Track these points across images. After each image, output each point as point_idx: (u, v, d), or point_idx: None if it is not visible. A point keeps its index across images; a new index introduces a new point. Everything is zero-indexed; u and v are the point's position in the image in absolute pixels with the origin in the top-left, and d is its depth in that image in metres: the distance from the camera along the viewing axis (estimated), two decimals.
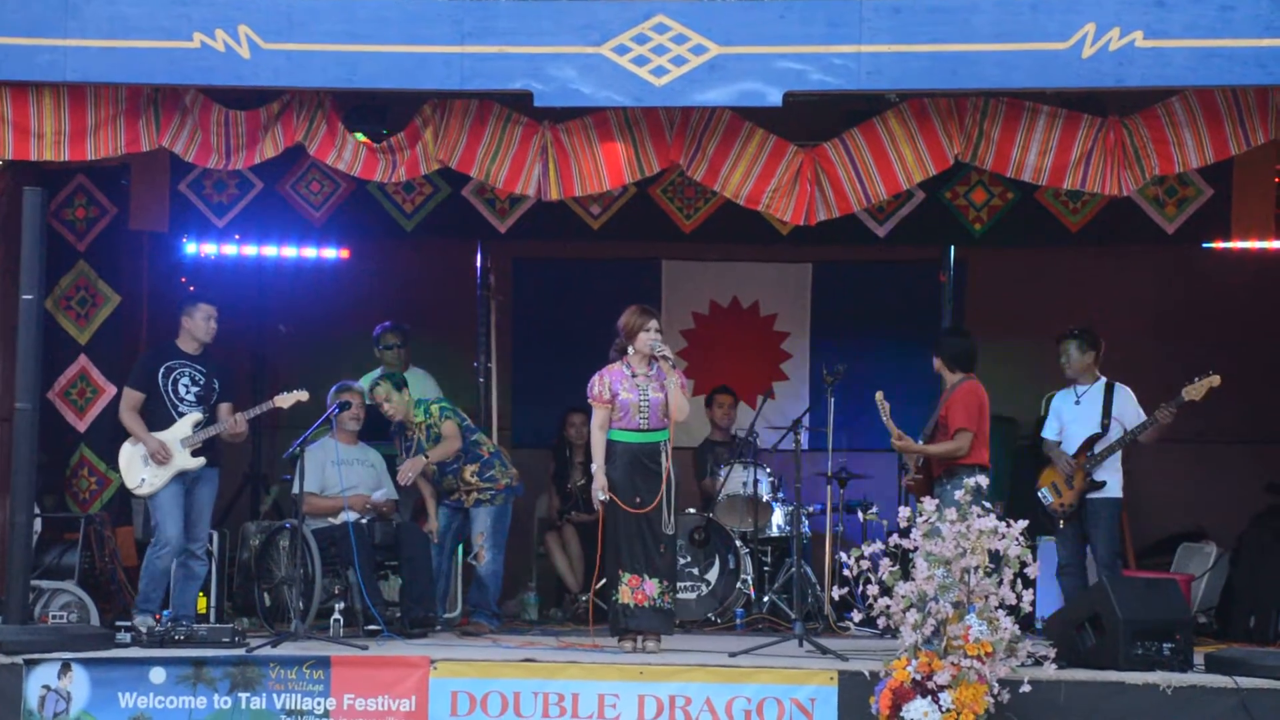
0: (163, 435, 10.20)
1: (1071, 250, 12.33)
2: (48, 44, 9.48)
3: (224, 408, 10.39)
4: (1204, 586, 11.73)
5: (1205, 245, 11.87)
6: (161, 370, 10.30)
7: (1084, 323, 10.66)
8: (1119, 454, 10.33)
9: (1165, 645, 9.05)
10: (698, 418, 12.78)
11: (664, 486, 9.74)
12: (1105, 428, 10.36)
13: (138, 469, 10.18)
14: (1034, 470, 11.98)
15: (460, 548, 11.28)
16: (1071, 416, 10.54)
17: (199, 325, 10.38)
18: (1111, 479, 10.33)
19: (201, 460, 10.24)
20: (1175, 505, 11.50)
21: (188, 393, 10.31)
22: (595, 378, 9.91)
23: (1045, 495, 10.49)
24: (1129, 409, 10.37)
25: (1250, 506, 12.08)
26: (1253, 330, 12.20)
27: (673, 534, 9.82)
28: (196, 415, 10.26)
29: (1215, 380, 10.07)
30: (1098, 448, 10.34)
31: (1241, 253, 11.95)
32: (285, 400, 10.36)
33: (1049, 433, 10.66)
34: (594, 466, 9.91)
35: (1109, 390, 10.45)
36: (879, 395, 10.17)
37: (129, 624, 9.67)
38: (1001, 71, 9.20)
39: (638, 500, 9.72)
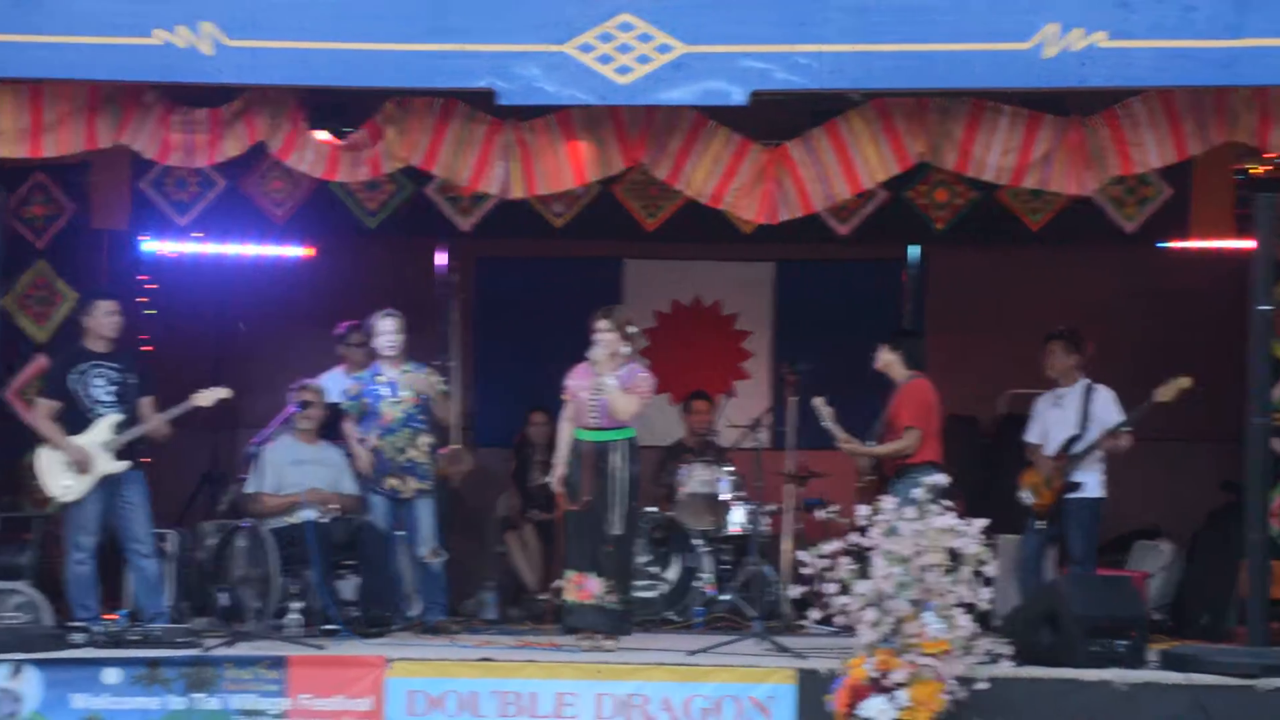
0: (81, 440, 10.05)
1: (1032, 249, 12.37)
2: (6, 39, 9.39)
3: (145, 403, 10.23)
4: (1159, 584, 11.79)
5: (1164, 245, 11.93)
6: (74, 374, 10.13)
7: (1070, 324, 10.70)
8: (1099, 454, 10.37)
9: (1120, 642, 9.11)
10: (665, 417, 12.81)
11: (613, 486, 9.74)
12: (1083, 429, 10.42)
13: (59, 475, 10.04)
14: (993, 468, 12.06)
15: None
16: (1052, 419, 10.60)
17: (101, 323, 10.22)
18: (1090, 480, 10.38)
19: (125, 464, 10.10)
20: (1130, 503, 11.54)
21: (105, 394, 10.16)
22: (571, 370, 9.95)
23: (1026, 496, 10.55)
24: (1107, 410, 10.42)
25: (1205, 504, 12.14)
26: (1209, 329, 12.22)
27: (621, 534, 9.79)
28: (116, 416, 10.12)
29: (1186, 382, 10.14)
30: (1075, 449, 10.39)
31: (1200, 252, 12.01)
32: (205, 398, 10.24)
33: (1032, 436, 10.71)
34: (555, 458, 9.94)
35: (1088, 392, 10.51)
36: (818, 401, 10.21)
37: (83, 624, 9.62)
38: (964, 71, 9.21)
39: (585, 499, 9.73)
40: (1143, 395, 10.28)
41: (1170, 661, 9.11)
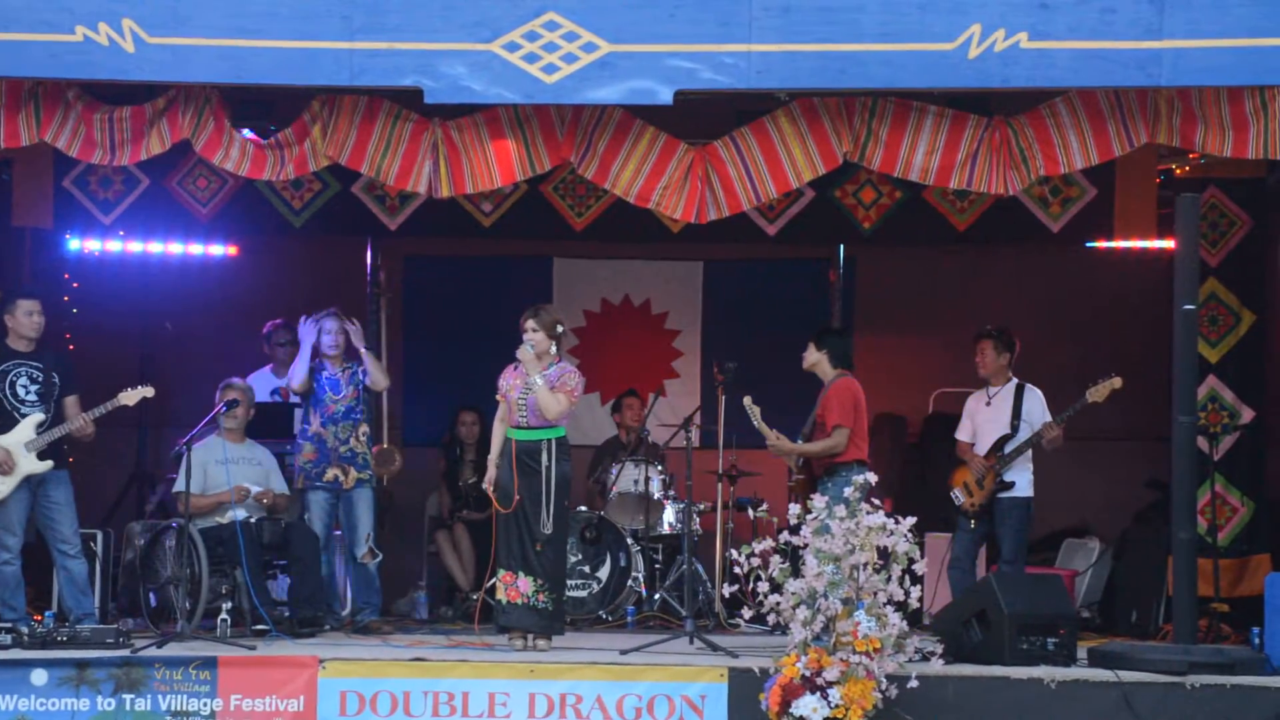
0: (4, 440, 9.92)
1: (959, 249, 12.45)
2: None
3: (69, 402, 10.15)
4: (1087, 582, 11.90)
5: (1089, 245, 12.02)
6: None
7: (1001, 323, 10.75)
8: (1029, 454, 10.45)
9: (1049, 640, 9.18)
10: (594, 416, 12.80)
11: (543, 485, 9.73)
12: (1015, 429, 10.48)
13: None
14: (920, 467, 12.11)
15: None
16: (983, 417, 10.65)
17: (22, 322, 10.11)
18: (1021, 479, 10.44)
19: (49, 464, 9.99)
20: (1059, 501, 11.64)
21: (28, 393, 10.05)
22: (503, 371, 9.96)
23: (957, 495, 10.58)
24: (1037, 410, 10.49)
25: (1132, 503, 12.28)
26: (1135, 328, 12.38)
27: (551, 534, 9.77)
28: (39, 416, 10.00)
29: (1117, 382, 10.21)
30: (1007, 448, 10.44)
31: (1124, 252, 12.12)
32: (130, 397, 10.15)
33: (962, 434, 10.75)
34: (489, 458, 9.97)
35: (1019, 391, 10.56)
36: (747, 400, 10.23)
37: (9, 625, 9.52)
38: (889, 71, 9.26)
39: (517, 498, 9.72)
40: (1070, 394, 10.35)
41: (1099, 659, 9.19)
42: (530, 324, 9.85)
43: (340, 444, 10.79)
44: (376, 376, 10.96)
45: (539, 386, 9.74)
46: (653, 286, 13.59)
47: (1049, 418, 10.43)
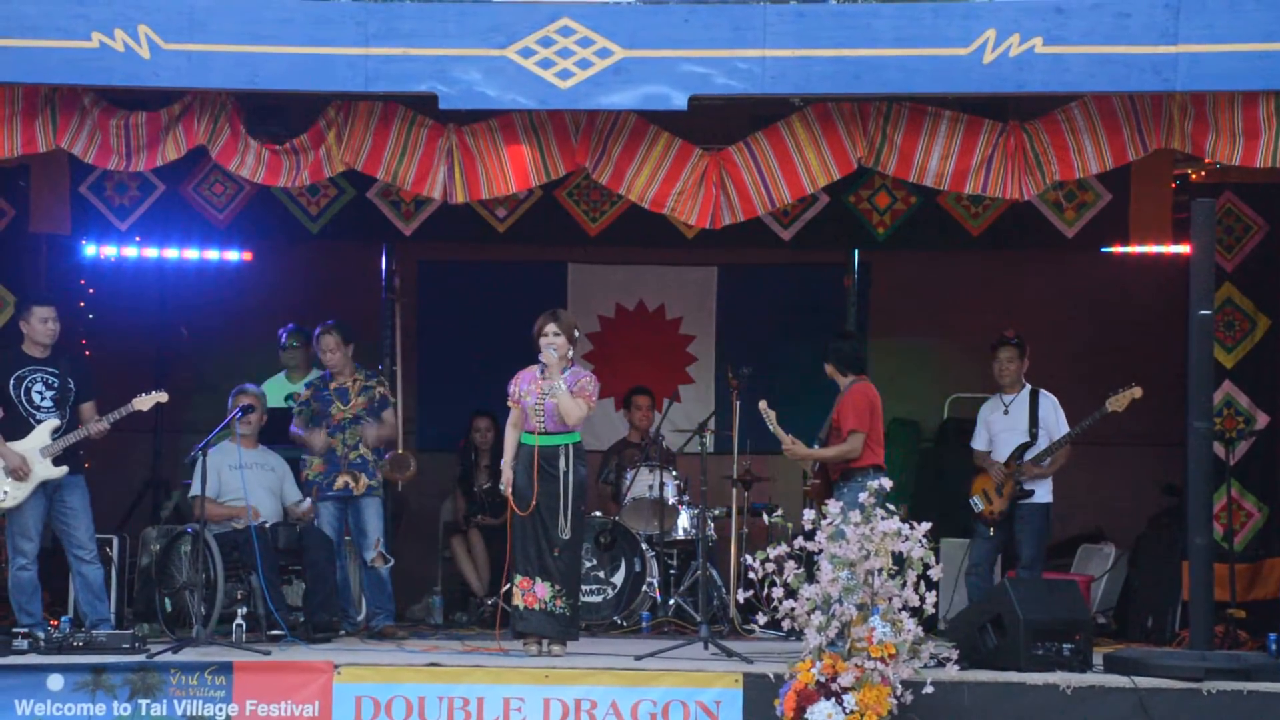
0: (20, 446, 9.95)
1: (973, 254, 12.44)
2: None
3: (86, 408, 10.18)
4: (1103, 587, 11.88)
5: (1104, 250, 12.01)
6: (12, 380, 10.04)
7: (1016, 329, 10.73)
8: (1047, 461, 10.42)
9: (1065, 646, 9.17)
10: (608, 420, 12.80)
11: (561, 491, 9.73)
12: (1034, 436, 10.46)
13: None
14: (936, 472, 12.07)
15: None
16: (1000, 426, 10.63)
17: (36, 329, 10.14)
18: (1041, 485, 10.44)
19: (64, 469, 10.01)
20: (1075, 507, 11.63)
21: (43, 399, 10.07)
22: (514, 377, 9.94)
23: (976, 503, 10.57)
24: (1053, 417, 10.47)
25: (1148, 508, 12.25)
26: (1150, 333, 12.36)
27: (569, 539, 9.77)
28: (54, 421, 10.03)
29: (1137, 392, 10.19)
30: (1027, 456, 10.42)
31: (1139, 257, 12.09)
32: (144, 403, 10.17)
33: (978, 443, 10.73)
34: (503, 463, 9.96)
35: (1034, 398, 10.54)
36: (763, 404, 10.22)
37: (26, 630, 9.54)
38: (904, 76, 9.27)
39: (533, 504, 9.72)
40: (1085, 399, 10.33)
41: (1115, 665, 9.17)
42: (551, 328, 9.84)
43: (349, 449, 10.81)
44: (385, 431, 11.01)
45: (561, 391, 9.74)
46: (667, 292, 13.59)
47: (1066, 426, 10.41)
